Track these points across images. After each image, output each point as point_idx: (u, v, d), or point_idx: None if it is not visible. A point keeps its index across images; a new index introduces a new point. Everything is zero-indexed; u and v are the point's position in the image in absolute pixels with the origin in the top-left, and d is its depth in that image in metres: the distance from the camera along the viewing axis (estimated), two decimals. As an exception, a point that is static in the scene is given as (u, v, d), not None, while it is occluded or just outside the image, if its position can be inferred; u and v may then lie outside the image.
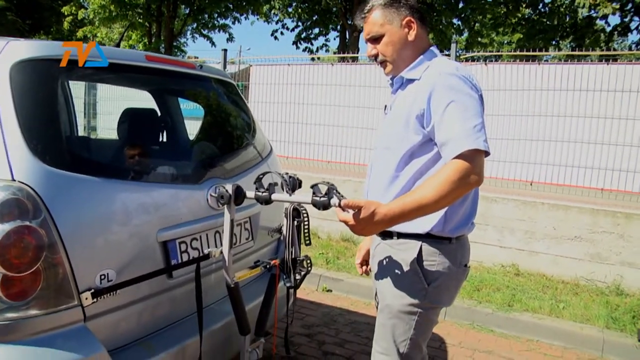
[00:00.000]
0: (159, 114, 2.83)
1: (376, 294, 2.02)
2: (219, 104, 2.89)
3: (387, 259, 1.92)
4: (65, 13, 19.26)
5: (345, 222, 1.68)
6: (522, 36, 17.58)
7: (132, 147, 2.19)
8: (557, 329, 3.92)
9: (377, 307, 2.04)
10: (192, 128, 3.09)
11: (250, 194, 1.98)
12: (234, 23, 20.44)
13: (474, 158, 1.67)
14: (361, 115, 6.62)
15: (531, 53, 6.14)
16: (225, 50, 6.79)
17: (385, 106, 2.01)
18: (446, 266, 1.86)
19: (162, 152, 2.57)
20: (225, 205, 1.98)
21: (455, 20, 17.85)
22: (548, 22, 15.97)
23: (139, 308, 1.94)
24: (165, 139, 2.66)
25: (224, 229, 1.99)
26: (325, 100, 7.05)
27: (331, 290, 4.66)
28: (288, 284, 2.36)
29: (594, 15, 14.97)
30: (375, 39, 1.90)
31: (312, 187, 1.78)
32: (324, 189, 1.78)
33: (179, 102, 3.17)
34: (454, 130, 1.68)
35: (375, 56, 1.92)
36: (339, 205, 1.69)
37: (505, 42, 28.40)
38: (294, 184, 2.23)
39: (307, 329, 3.81)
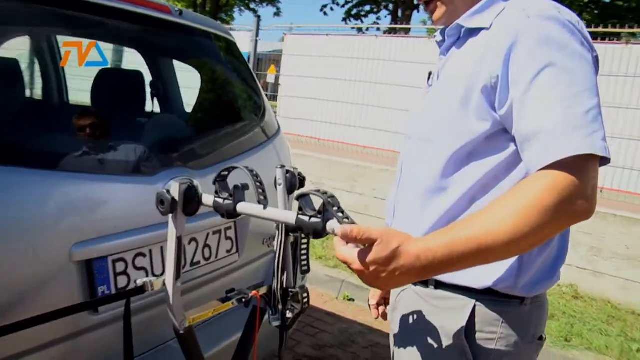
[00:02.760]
0: (133, 79, 2.16)
1: None
2: (208, 66, 2.20)
3: (415, 319, 1.21)
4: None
5: (348, 265, 0.95)
6: (590, 18, 16.06)
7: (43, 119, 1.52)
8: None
9: None
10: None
11: (207, 199, 1.28)
12: (282, -5, 19.61)
13: (584, 169, 0.93)
14: (411, 96, 5.78)
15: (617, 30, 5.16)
16: (259, 16, 6.09)
17: (430, 74, 1.25)
18: (512, 342, 1.14)
19: (106, 129, 1.91)
20: (170, 216, 1.29)
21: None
22: (625, 5, 14.33)
23: (42, 357, 1.30)
24: (127, 111, 1.99)
25: (168, 249, 1.31)
26: (369, 77, 6.25)
27: (353, 300, 3.95)
28: (275, 323, 1.67)
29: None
30: None
31: (297, 198, 1.05)
32: (317, 201, 1.06)
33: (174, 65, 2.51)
34: (551, 118, 0.94)
35: None
36: (338, 234, 0.97)
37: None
38: (292, 182, 1.53)
39: (318, 351, 3.13)
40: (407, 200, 1.20)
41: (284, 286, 1.64)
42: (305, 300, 1.66)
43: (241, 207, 1.19)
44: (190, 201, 1.25)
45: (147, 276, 1.55)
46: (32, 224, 1.24)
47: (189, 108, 2.44)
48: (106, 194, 1.43)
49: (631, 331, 3.75)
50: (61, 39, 2.39)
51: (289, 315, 1.66)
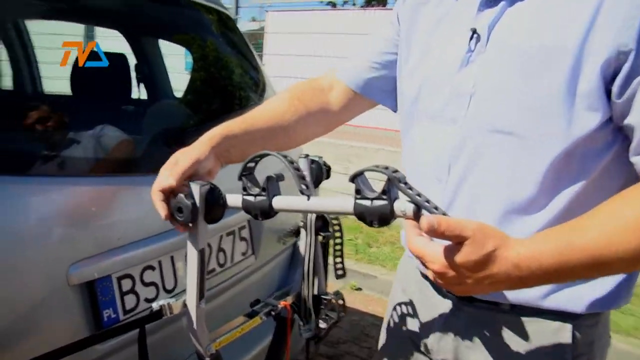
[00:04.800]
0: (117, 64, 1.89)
1: None
2: (200, 44, 1.95)
3: (483, 352, 0.94)
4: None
5: (424, 261, 0.74)
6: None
7: (39, 112, 1.26)
8: None
9: None
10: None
11: (233, 199, 1.04)
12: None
13: None
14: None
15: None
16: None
17: (474, 32, 0.86)
18: (604, 354, 0.96)
19: (92, 122, 1.65)
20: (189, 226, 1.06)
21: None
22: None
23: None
24: (115, 100, 1.73)
25: (189, 265, 1.07)
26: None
27: (361, 289, 3.76)
28: (307, 334, 1.46)
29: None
30: None
31: (353, 178, 0.78)
32: (376, 181, 0.83)
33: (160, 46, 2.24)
34: None
35: None
36: (415, 218, 0.72)
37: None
38: (318, 174, 1.31)
39: (332, 348, 2.94)
40: (469, 213, 0.88)
41: (316, 293, 1.44)
42: (342, 308, 1.46)
43: (278, 202, 0.94)
44: (214, 205, 1.02)
45: (158, 292, 1.33)
46: (13, 245, 1.00)
47: (178, 94, 2.19)
48: (105, 200, 1.19)
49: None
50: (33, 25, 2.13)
51: (322, 325, 1.46)
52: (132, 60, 1.98)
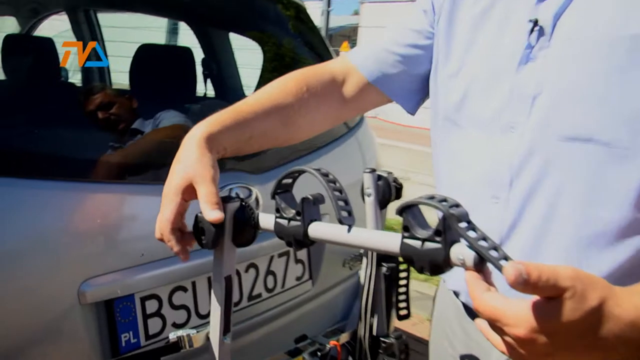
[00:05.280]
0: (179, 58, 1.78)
1: None
2: (272, 39, 1.78)
3: None
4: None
5: (500, 325, 0.51)
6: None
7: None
8: None
9: None
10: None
11: (266, 220, 0.84)
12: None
13: None
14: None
15: None
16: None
17: (535, 24, 0.70)
18: None
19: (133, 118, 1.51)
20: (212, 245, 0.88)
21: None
22: None
23: None
24: (171, 95, 1.58)
25: (213, 296, 0.89)
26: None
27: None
28: (359, 383, 1.24)
29: None
30: None
31: (400, 211, 0.60)
32: (428, 214, 0.62)
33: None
34: None
35: None
36: (476, 269, 0.52)
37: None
38: (385, 193, 1.08)
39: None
40: (538, 238, 0.72)
41: (374, 334, 1.21)
42: (404, 353, 1.23)
43: (315, 229, 0.75)
44: (244, 227, 0.83)
45: (189, 316, 1.16)
46: (15, 253, 0.87)
47: (249, 91, 2.04)
48: (131, 208, 1.04)
49: None
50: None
51: (383, 372, 1.23)
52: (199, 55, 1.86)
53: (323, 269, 1.49)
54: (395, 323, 1.22)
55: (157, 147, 1.16)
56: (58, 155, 1.04)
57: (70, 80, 2.15)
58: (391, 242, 0.63)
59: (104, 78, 2.29)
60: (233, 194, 1.22)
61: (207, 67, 1.85)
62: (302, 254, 1.43)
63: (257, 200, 1.27)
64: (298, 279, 1.42)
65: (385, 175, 1.08)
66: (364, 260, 1.16)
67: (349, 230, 0.69)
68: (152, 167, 1.12)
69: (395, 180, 1.11)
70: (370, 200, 1.05)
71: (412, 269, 0.67)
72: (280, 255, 1.35)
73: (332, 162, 1.47)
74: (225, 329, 0.92)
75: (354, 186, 1.01)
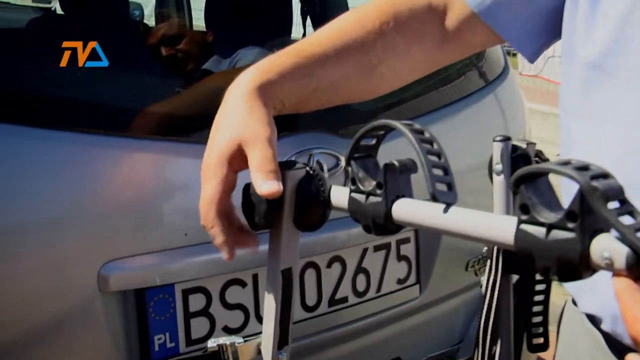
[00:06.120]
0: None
1: None
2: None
3: None
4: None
5: None
6: None
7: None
8: None
9: None
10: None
11: (339, 195, 0.58)
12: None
13: None
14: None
15: None
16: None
17: None
18: None
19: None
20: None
21: None
22: None
23: None
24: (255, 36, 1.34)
25: (266, 298, 0.65)
26: None
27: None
28: None
29: None
30: None
31: (517, 182, 0.38)
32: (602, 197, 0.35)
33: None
34: None
35: None
36: (631, 273, 0.30)
37: None
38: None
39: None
40: None
41: (496, 356, 0.90)
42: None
43: (401, 208, 0.53)
44: (310, 203, 0.60)
45: (247, 319, 0.93)
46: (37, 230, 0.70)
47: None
48: (176, 173, 0.84)
49: None
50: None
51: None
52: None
53: (437, 271, 1.17)
54: (526, 356, 0.90)
55: (219, 96, 0.95)
56: (95, 104, 0.87)
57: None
58: (502, 228, 0.43)
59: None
60: (314, 164, 0.98)
61: (307, 2, 1.60)
62: (408, 248, 1.13)
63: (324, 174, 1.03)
64: (400, 281, 1.11)
65: (523, 146, 0.77)
66: (488, 262, 0.85)
67: (445, 210, 0.48)
68: (208, 121, 0.91)
69: (539, 154, 0.79)
70: (499, 180, 0.74)
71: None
72: (376, 249, 1.07)
73: (458, 129, 1.16)
74: (282, 341, 0.68)
75: (483, 157, 0.72)
